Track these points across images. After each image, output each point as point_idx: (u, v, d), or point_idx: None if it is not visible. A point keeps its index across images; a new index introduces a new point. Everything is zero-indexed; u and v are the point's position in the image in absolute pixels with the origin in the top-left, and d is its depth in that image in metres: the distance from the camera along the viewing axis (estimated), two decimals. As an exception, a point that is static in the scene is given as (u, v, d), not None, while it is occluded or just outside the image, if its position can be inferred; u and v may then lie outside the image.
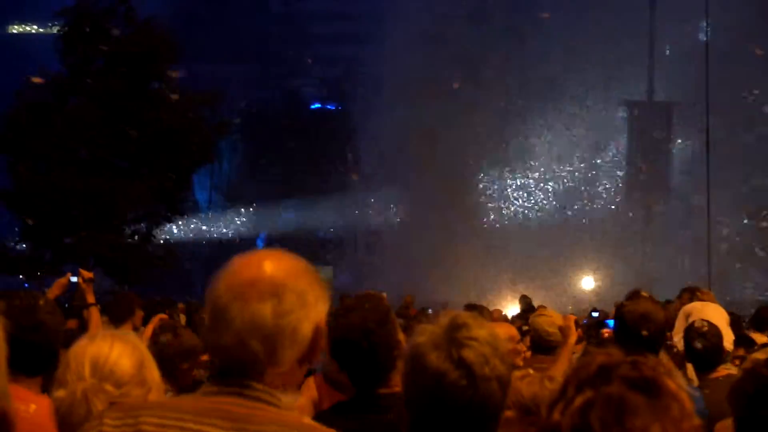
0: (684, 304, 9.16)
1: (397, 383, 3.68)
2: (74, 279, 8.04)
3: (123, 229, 29.83)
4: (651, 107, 44.13)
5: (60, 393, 3.13)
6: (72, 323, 8.16)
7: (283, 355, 2.31)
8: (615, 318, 5.15)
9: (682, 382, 2.14)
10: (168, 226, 32.38)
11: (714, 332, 6.93)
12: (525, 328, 8.94)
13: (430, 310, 21.32)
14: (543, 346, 6.95)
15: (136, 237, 30.11)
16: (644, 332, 4.88)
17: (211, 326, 2.34)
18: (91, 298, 7.42)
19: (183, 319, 12.39)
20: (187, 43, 31.31)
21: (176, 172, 29.38)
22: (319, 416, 3.68)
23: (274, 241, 41.46)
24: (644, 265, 37.12)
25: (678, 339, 8.58)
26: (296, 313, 2.29)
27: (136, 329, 8.32)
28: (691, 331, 6.93)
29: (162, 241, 30.84)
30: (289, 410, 2.34)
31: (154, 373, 3.24)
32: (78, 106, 28.61)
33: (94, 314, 7.17)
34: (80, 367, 3.12)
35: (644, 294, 5.21)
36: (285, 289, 2.29)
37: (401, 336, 3.94)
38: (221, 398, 2.29)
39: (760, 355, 7.76)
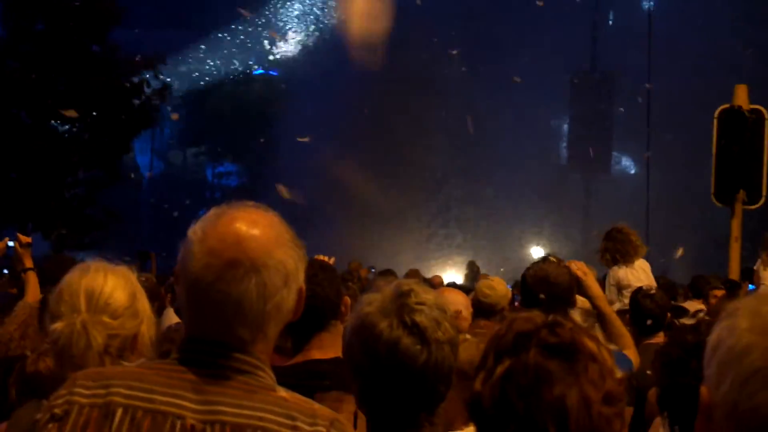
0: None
1: (333, 346, 3.69)
2: (12, 244, 7.94)
3: (62, 194, 29.45)
4: (594, 76, 44.31)
5: (58, 325, 3.11)
6: (13, 289, 8.08)
7: (269, 331, 2.30)
8: (521, 282, 5.20)
9: (601, 340, 2.17)
10: (108, 189, 32.01)
11: (661, 296, 7.04)
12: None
13: (372, 270, 21.42)
14: (483, 309, 6.97)
15: (76, 202, 29.78)
16: (541, 295, 4.91)
17: (191, 308, 2.31)
18: (28, 263, 7.33)
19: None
20: (129, 7, 30.82)
21: (117, 137, 29.10)
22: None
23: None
24: (586, 235, 37.34)
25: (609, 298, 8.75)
26: (281, 292, 2.27)
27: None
28: (639, 294, 7.02)
29: (102, 206, 30.41)
30: (270, 385, 2.30)
31: (145, 304, 3.25)
32: (17, 70, 28.15)
33: (32, 278, 7.09)
34: (75, 300, 3.11)
35: (552, 258, 5.19)
36: (267, 267, 2.25)
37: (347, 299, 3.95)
38: (197, 370, 2.25)
39: (687, 321, 7.90)
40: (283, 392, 2.30)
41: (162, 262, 22.44)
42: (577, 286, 5.22)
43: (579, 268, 5.29)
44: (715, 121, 13.58)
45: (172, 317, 8.19)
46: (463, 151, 40.08)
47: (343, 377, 2.83)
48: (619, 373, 2.15)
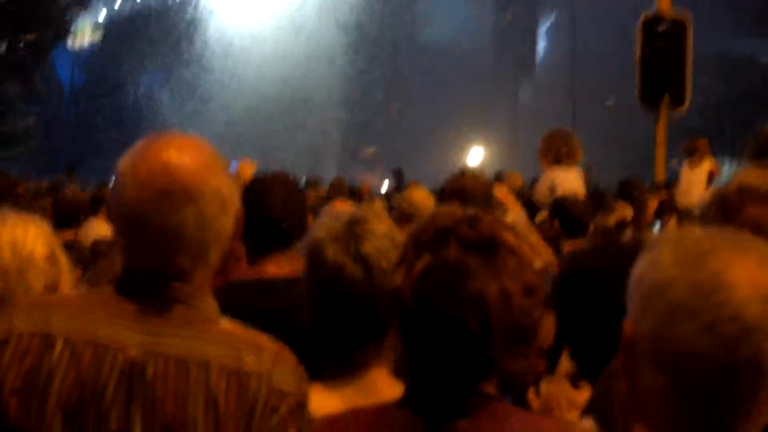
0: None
1: (290, 264, 3.69)
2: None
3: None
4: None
5: None
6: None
7: (210, 259, 2.24)
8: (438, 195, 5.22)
9: (521, 227, 2.20)
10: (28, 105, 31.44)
11: (588, 204, 7.16)
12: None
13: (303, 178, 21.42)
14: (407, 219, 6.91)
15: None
16: (458, 205, 4.92)
17: (127, 240, 2.25)
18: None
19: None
20: None
21: (32, 49, 28.48)
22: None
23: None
24: (512, 142, 37.61)
25: (542, 198, 8.85)
26: (219, 219, 2.21)
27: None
28: (567, 200, 7.13)
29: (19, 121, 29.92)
30: (213, 316, 2.26)
31: (63, 256, 3.17)
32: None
33: None
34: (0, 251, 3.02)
35: (469, 172, 5.23)
36: (203, 195, 2.18)
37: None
38: (137, 299, 2.20)
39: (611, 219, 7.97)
40: (226, 323, 2.26)
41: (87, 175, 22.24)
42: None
43: (501, 193, 5.34)
44: (639, 27, 13.67)
45: (99, 230, 8.08)
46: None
47: (294, 297, 2.86)
48: (538, 264, 2.17)
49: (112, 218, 2.30)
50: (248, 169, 6.58)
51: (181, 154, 2.21)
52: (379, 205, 8.06)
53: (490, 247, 2.09)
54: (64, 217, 7.68)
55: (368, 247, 2.69)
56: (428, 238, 2.13)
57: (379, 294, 2.61)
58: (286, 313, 3.16)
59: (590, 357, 2.93)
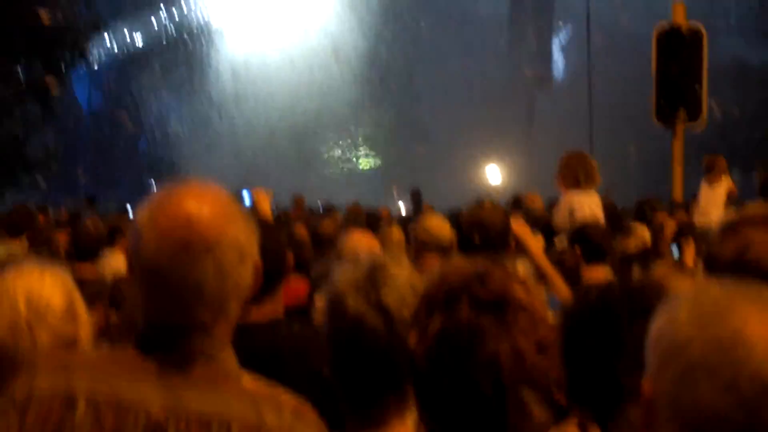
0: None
1: (273, 308, 3.69)
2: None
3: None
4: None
5: None
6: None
7: (230, 310, 2.24)
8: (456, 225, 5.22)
9: (532, 281, 2.20)
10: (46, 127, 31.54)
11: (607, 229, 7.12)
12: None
13: (320, 205, 21.45)
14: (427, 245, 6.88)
15: (12, 141, 29.27)
16: (476, 238, 4.93)
17: (147, 294, 2.23)
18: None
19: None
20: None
21: (51, 71, 28.58)
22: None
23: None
24: (530, 157, 37.49)
25: (562, 222, 8.81)
26: (237, 269, 2.21)
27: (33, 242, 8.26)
28: (587, 226, 7.09)
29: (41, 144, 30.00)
30: (234, 371, 2.26)
31: (82, 307, 3.14)
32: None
33: None
34: (13, 302, 2.99)
35: (488, 202, 5.23)
36: (221, 245, 2.18)
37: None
38: (158, 357, 2.20)
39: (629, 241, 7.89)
40: (246, 378, 2.26)
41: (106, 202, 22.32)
42: (516, 243, 5.23)
43: (519, 227, 5.32)
44: (654, 41, 13.61)
45: (116, 262, 8.08)
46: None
47: (278, 341, 2.84)
48: (551, 318, 2.17)
49: (130, 271, 2.28)
50: (264, 199, 6.58)
51: (200, 204, 2.20)
52: (397, 233, 8.03)
53: (502, 304, 2.08)
54: (84, 251, 7.69)
55: (389, 297, 2.66)
56: (440, 298, 2.13)
57: (401, 345, 2.62)
58: (269, 356, 3.18)
59: (598, 402, 2.92)
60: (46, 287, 3.05)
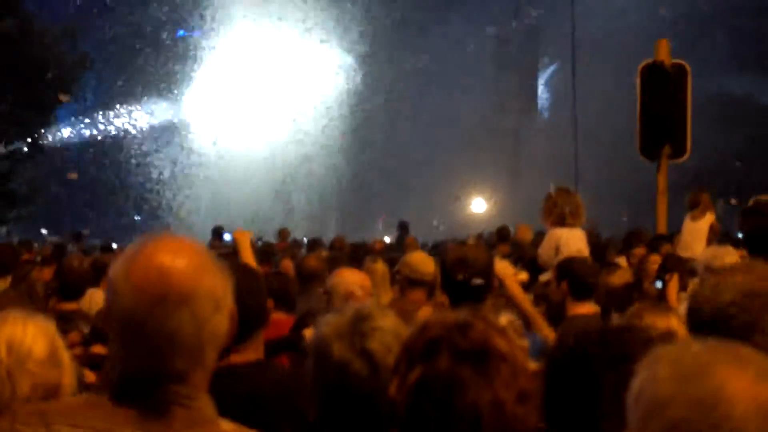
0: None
1: (254, 349, 3.69)
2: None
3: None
4: (517, 28, 44.41)
5: None
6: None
7: (207, 359, 2.25)
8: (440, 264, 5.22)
9: (513, 330, 2.20)
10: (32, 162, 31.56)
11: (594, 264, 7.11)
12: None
13: (305, 239, 21.42)
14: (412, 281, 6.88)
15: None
16: (459, 276, 4.95)
17: (124, 345, 2.24)
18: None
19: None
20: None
21: (37, 108, 28.64)
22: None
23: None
24: (515, 191, 37.55)
25: (548, 258, 8.82)
26: (213, 318, 2.22)
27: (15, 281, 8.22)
28: (574, 261, 7.07)
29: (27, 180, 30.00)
30: (211, 416, 2.26)
31: (65, 354, 3.17)
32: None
33: None
34: None
35: (471, 241, 5.28)
36: (197, 296, 2.19)
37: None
38: (137, 405, 2.19)
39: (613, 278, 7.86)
40: (225, 424, 2.27)
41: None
42: (500, 286, 5.25)
43: (502, 269, 5.34)
44: (638, 76, 13.68)
45: (101, 300, 8.05)
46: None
47: (259, 383, 2.82)
48: (532, 366, 2.17)
49: (106, 324, 2.29)
50: (246, 241, 6.57)
51: (174, 257, 2.22)
52: (381, 267, 8.05)
53: (482, 355, 2.09)
54: (70, 289, 7.64)
55: (374, 344, 2.70)
56: (420, 349, 2.14)
57: (386, 391, 2.62)
58: (251, 399, 3.17)
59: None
60: (29, 335, 3.06)
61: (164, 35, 40.49)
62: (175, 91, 39.27)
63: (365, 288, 6.02)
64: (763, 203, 3.62)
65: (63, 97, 24.99)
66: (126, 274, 2.21)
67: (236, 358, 3.72)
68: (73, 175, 35.26)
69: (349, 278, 6.04)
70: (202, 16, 40.41)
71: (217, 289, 2.24)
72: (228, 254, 7.24)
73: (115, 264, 2.25)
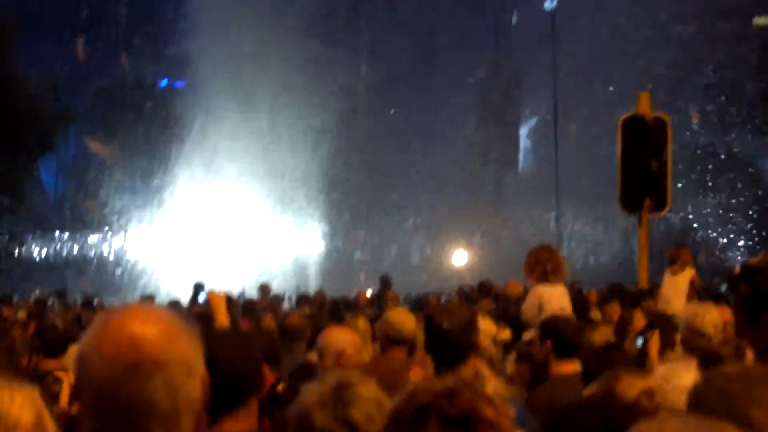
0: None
1: (247, 419, 3.69)
2: None
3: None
4: (499, 77, 44.65)
5: None
6: None
7: (182, 425, 2.24)
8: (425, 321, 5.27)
9: (500, 398, 2.22)
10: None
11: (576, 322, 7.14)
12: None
13: (286, 294, 21.42)
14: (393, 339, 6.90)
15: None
16: (445, 324, 5.00)
17: (98, 417, 2.22)
18: None
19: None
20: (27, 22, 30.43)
21: (18, 162, 28.65)
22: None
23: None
24: (498, 243, 37.57)
25: (531, 316, 8.84)
26: (186, 385, 2.22)
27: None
28: (557, 320, 7.09)
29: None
30: None
31: (51, 424, 3.15)
32: None
33: None
34: None
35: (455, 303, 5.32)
36: (170, 363, 2.20)
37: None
38: None
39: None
40: None
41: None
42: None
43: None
44: (619, 129, 13.77)
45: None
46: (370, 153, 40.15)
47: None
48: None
49: (78, 396, 2.29)
50: (221, 303, 6.57)
51: (144, 325, 2.22)
52: (363, 324, 8.07)
53: (470, 422, 2.10)
54: (51, 347, 7.59)
55: (356, 413, 2.72)
56: (408, 416, 2.15)
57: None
58: None
59: None
60: (16, 404, 3.04)
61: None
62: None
63: (356, 346, 6.12)
64: (753, 267, 3.65)
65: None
66: (97, 345, 2.20)
67: (230, 426, 3.73)
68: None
69: (340, 337, 6.13)
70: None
71: (188, 355, 2.25)
72: (204, 317, 7.26)
73: (85, 336, 2.24)
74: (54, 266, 35.23)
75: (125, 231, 37.45)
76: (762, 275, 3.34)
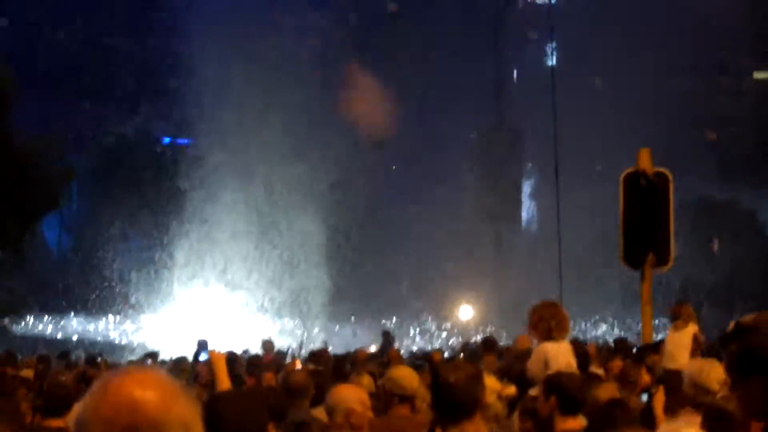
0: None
1: None
2: None
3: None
4: (500, 134, 44.79)
5: None
6: None
7: None
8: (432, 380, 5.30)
9: None
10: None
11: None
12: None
13: (289, 350, 21.34)
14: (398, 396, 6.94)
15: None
16: (452, 379, 5.03)
17: None
18: None
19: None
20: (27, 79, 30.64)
21: (21, 219, 28.69)
22: None
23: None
24: (501, 295, 37.50)
25: (537, 373, 8.82)
26: None
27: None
28: (562, 376, 7.09)
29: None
30: None
31: None
32: None
33: None
34: None
35: (460, 363, 5.35)
36: (169, 424, 2.21)
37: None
38: None
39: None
40: None
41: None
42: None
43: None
44: (621, 185, 13.81)
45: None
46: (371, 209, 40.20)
47: None
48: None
49: None
50: (221, 363, 6.60)
51: (143, 388, 2.23)
52: (366, 381, 8.09)
53: None
54: (55, 406, 7.58)
55: None
56: None
57: None
58: None
59: None
60: None
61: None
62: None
63: (365, 404, 6.13)
64: (745, 325, 3.64)
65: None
66: (95, 407, 2.21)
67: None
68: None
69: (349, 395, 6.15)
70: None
71: (186, 417, 2.26)
72: (205, 385, 7.27)
73: (83, 401, 2.26)
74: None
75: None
76: (753, 334, 3.36)
